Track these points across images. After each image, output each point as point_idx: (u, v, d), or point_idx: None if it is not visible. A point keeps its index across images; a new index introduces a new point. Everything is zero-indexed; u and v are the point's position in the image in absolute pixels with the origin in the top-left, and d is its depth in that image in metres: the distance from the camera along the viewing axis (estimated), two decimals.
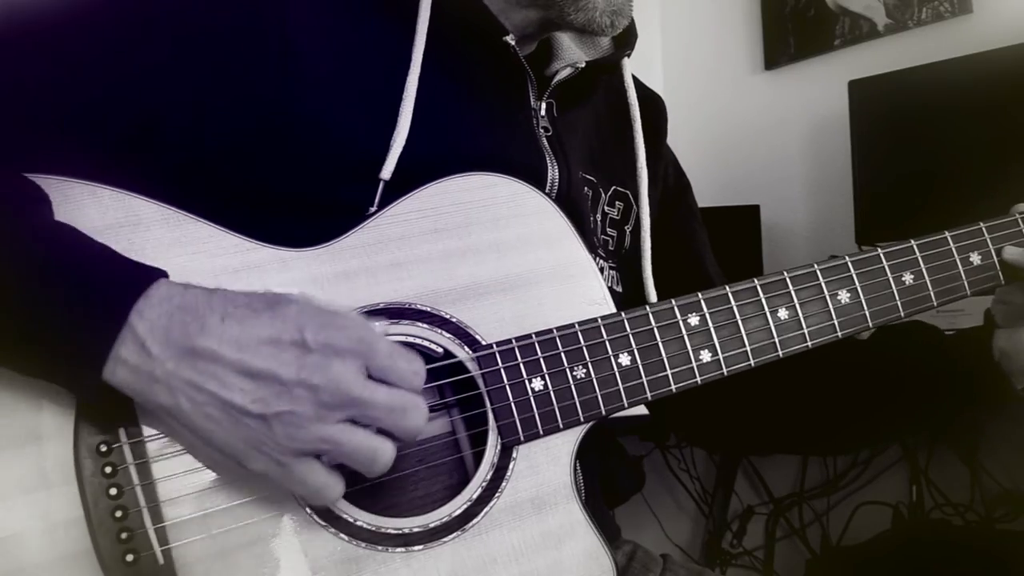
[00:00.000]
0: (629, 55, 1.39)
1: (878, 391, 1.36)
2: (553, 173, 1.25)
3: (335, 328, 0.90)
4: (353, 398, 0.89)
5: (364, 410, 0.90)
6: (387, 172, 1.11)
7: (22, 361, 0.91)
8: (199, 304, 0.90)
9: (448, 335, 1.07)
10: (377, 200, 1.11)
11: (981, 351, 1.28)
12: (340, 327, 0.91)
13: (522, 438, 1.08)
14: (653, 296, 1.34)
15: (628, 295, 1.36)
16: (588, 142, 1.37)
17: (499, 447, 1.07)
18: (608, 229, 1.38)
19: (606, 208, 1.38)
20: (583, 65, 1.30)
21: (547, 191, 1.23)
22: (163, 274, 0.92)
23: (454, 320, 1.08)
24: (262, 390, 0.88)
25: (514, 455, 1.08)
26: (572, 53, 1.35)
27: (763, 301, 1.18)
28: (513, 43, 1.20)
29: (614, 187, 1.40)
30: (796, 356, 1.18)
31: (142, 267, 0.93)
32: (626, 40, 1.38)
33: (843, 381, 1.36)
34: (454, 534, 1.04)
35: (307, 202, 1.09)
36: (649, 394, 1.12)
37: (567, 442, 1.10)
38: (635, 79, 1.44)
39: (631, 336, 1.12)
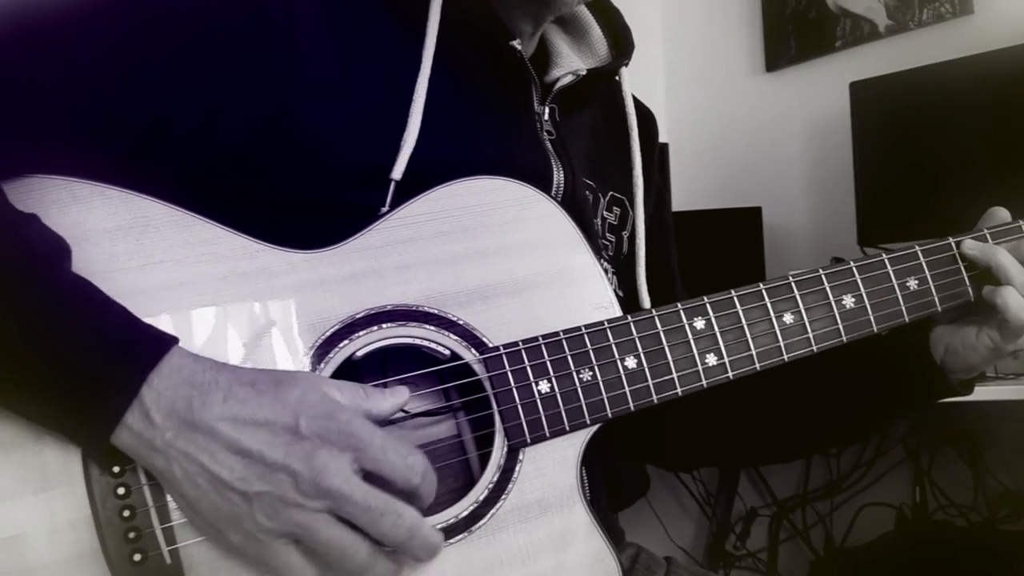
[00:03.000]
0: (627, 64, 1.39)
1: (816, 397, 1.36)
2: (559, 176, 1.26)
3: (330, 420, 0.92)
4: (329, 490, 0.90)
5: (339, 504, 0.91)
6: (398, 172, 1.11)
7: (33, 413, 0.93)
8: (205, 380, 0.92)
9: (455, 337, 1.08)
10: (389, 200, 1.11)
11: (914, 349, 1.29)
12: (335, 420, 0.92)
13: (528, 440, 1.08)
14: (647, 302, 1.34)
15: (626, 300, 1.36)
16: (587, 148, 1.38)
17: (505, 449, 1.07)
18: (607, 234, 1.38)
19: (605, 213, 1.38)
20: (584, 72, 1.30)
21: (553, 194, 1.23)
22: (175, 340, 0.94)
23: (461, 323, 1.08)
24: (248, 469, 0.90)
25: (520, 457, 1.08)
26: (571, 61, 1.35)
27: (768, 306, 1.18)
28: (519, 47, 1.20)
29: (611, 193, 1.40)
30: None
31: (156, 335, 0.94)
32: (624, 49, 1.38)
33: (781, 389, 1.34)
34: (460, 535, 1.04)
35: (315, 205, 1.10)
36: (655, 397, 1.12)
37: (573, 445, 1.10)
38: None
39: (637, 339, 1.13)
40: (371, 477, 0.93)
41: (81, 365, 0.90)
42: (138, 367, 0.91)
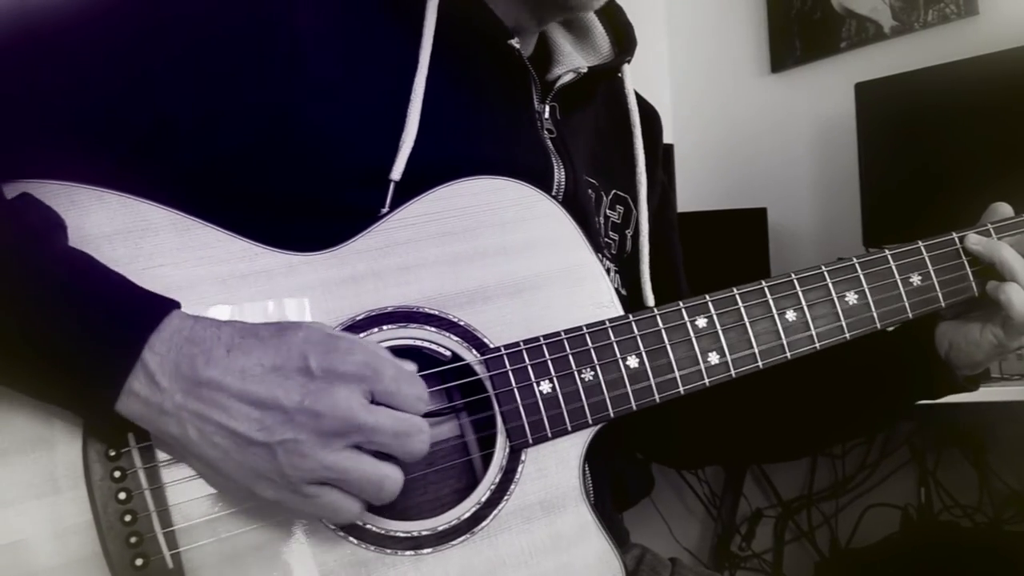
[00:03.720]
0: (629, 61, 1.39)
1: (821, 393, 1.36)
2: (560, 174, 1.25)
3: (340, 353, 0.91)
4: (358, 424, 0.89)
5: (369, 436, 0.90)
6: (397, 173, 1.11)
7: (36, 387, 0.92)
8: (207, 336, 0.91)
9: (456, 338, 1.07)
10: (388, 201, 1.11)
11: (919, 345, 1.29)
12: (345, 352, 0.91)
13: (531, 441, 1.08)
14: (651, 300, 1.34)
15: (629, 299, 1.36)
16: (589, 146, 1.38)
17: (508, 450, 1.07)
18: (610, 232, 1.38)
19: (608, 211, 1.38)
20: (585, 70, 1.30)
21: (554, 192, 1.23)
22: (176, 305, 0.93)
23: (462, 323, 1.08)
24: (267, 418, 0.89)
25: (523, 458, 1.08)
26: (573, 59, 1.35)
27: (771, 303, 1.17)
28: (517, 46, 1.20)
29: (615, 191, 1.40)
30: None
31: (155, 299, 0.93)
32: (626, 47, 1.38)
33: (784, 387, 1.35)
34: (463, 537, 1.04)
35: (316, 206, 1.10)
36: (657, 396, 1.12)
37: (575, 445, 1.10)
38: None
39: (639, 338, 1.12)
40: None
41: (80, 334, 0.89)
42: (137, 331, 0.90)
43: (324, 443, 0.89)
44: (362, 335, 1.04)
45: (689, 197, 3.63)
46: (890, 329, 1.24)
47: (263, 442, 0.88)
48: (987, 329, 1.23)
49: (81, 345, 0.89)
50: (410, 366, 0.95)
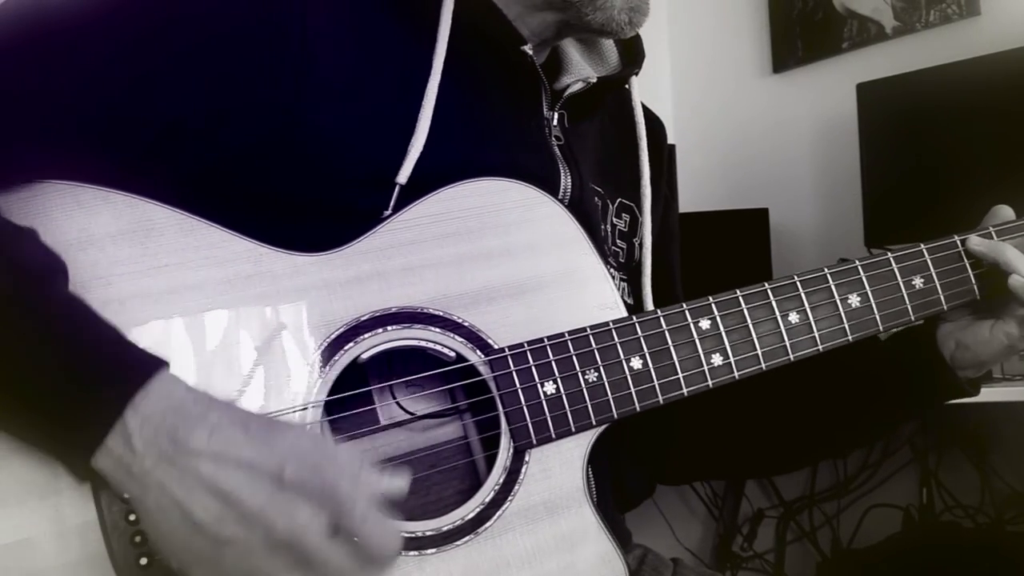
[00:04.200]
0: (637, 73, 1.39)
1: (823, 399, 1.36)
2: (566, 181, 1.25)
3: (317, 472, 0.87)
4: (306, 552, 0.86)
5: (312, 566, 0.87)
6: (403, 176, 1.11)
7: (19, 431, 0.91)
8: (195, 412, 0.88)
9: (460, 339, 1.08)
10: (392, 204, 1.11)
11: (921, 348, 1.29)
12: (323, 472, 0.87)
13: (534, 441, 1.08)
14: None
15: (636, 308, 1.35)
16: (596, 154, 1.37)
17: (511, 451, 1.07)
18: (618, 240, 1.38)
19: (614, 219, 1.38)
20: (595, 80, 1.30)
21: (560, 199, 1.22)
22: (164, 364, 0.91)
23: (466, 324, 1.08)
24: (223, 511, 0.86)
25: (526, 459, 1.08)
26: (582, 68, 1.34)
27: (774, 305, 1.18)
28: (531, 53, 1.20)
29: (620, 199, 1.40)
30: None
31: (145, 358, 0.91)
32: (634, 58, 1.38)
33: (787, 392, 1.34)
34: (467, 537, 1.04)
35: (322, 208, 1.09)
36: (661, 398, 1.12)
37: (579, 445, 1.10)
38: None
39: (642, 339, 1.13)
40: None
41: (67, 385, 0.87)
42: (124, 388, 0.88)
43: (268, 553, 0.86)
44: (367, 335, 1.04)
45: (691, 198, 3.63)
46: (892, 332, 1.25)
47: (212, 534, 0.86)
48: (998, 328, 1.23)
49: (66, 396, 0.88)
50: (402, 481, 0.90)
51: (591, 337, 1.11)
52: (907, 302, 1.23)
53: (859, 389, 1.33)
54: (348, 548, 0.87)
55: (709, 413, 1.28)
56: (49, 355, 0.89)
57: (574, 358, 1.10)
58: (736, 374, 1.16)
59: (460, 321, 1.08)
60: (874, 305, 1.21)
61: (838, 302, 1.20)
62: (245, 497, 0.85)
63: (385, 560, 0.90)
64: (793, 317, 1.18)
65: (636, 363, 1.12)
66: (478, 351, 1.08)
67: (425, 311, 1.07)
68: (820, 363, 1.20)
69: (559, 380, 1.09)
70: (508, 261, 1.11)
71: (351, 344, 1.04)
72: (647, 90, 1.47)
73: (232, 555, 0.86)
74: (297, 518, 0.86)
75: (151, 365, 0.90)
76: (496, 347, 1.09)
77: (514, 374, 1.08)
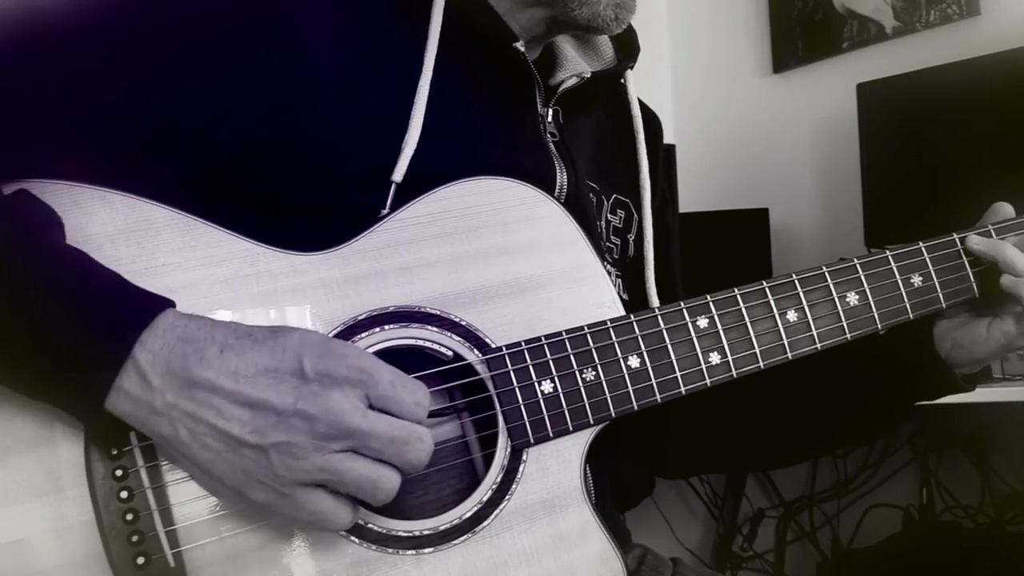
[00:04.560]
0: (632, 67, 1.39)
1: (820, 396, 1.36)
2: (562, 178, 1.26)
3: (335, 357, 0.90)
4: (351, 429, 0.88)
5: (363, 441, 0.89)
6: (399, 175, 1.11)
7: (26, 383, 0.91)
8: (201, 335, 0.90)
9: (458, 338, 1.08)
10: (389, 203, 1.11)
11: (919, 345, 1.29)
12: (340, 356, 0.90)
13: (532, 440, 1.08)
14: (656, 304, 1.33)
15: (632, 303, 1.36)
16: (591, 150, 1.38)
17: (509, 449, 1.07)
18: (612, 237, 1.38)
19: (609, 215, 1.38)
20: (589, 75, 1.30)
21: (556, 195, 1.23)
22: (170, 303, 0.92)
23: (464, 323, 1.08)
24: (259, 420, 0.88)
25: (524, 457, 1.08)
26: (576, 64, 1.35)
27: (772, 303, 1.18)
28: (523, 49, 1.20)
29: (615, 195, 1.40)
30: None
31: (149, 296, 0.93)
32: (629, 53, 1.38)
33: (786, 389, 1.35)
34: (465, 536, 1.04)
35: (319, 207, 1.10)
36: (659, 397, 1.12)
37: (577, 444, 1.10)
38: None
39: (640, 338, 1.13)
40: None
41: (72, 329, 0.88)
42: (129, 327, 0.89)
43: (317, 446, 0.88)
44: (364, 335, 1.04)
45: (691, 197, 3.63)
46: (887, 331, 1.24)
47: (256, 444, 0.87)
48: (995, 326, 1.23)
49: (72, 340, 0.88)
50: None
51: (588, 336, 1.11)
52: (906, 300, 1.22)
53: (855, 385, 1.33)
54: (387, 418, 0.90)
55: (707, 408, 1.28)
56: (53, 301, 0.89)
57: (571, 357, 1.10)
58: (734, 373, 1.16)
59: (457, 320, 1.08)
60: (872, 303, 1.21)
61: (836, 300, 1.20)
62: (275, 400, 0.88)
63: (422, 418, 0.92)
64: (791, 316, 1.18)
65: (634, 362, 1.12)
66: (475, 350, 1.08)
67: (422, 310, 1.07)
68: (817, 359, 1.20)
69: (556, 379, 1.09)
70: (506, 260, 1.11)
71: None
72: (647, 90, 1.47)
73: (282, 459, 0.88)
74: (332, 402, 0.88)
75: (155, 304, 0.91)
76: (493, 346, 1.08)
77: (511, 373, 1.08)
